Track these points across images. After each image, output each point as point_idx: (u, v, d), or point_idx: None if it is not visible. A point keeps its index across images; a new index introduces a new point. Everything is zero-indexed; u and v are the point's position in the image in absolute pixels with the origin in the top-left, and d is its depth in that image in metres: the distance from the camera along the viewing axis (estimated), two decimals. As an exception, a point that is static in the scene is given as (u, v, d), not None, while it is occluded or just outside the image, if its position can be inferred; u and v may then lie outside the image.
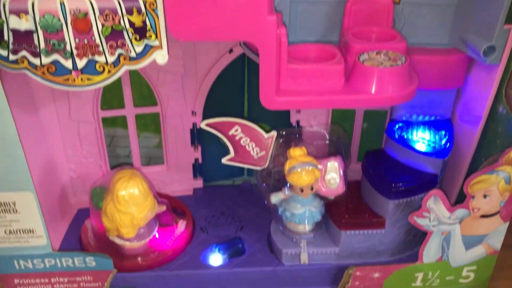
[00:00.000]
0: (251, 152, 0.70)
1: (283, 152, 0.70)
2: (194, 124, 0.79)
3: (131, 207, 0.66)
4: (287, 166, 0.68)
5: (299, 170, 0.66)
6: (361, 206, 0.71)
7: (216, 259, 0.72)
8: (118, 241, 0.69)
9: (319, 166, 0.68)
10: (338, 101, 0.58)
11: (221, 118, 0.66)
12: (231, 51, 0.73)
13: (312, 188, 0.68)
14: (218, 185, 0.88)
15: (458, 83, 0.69)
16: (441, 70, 0.67)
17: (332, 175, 0.68)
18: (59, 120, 0.74)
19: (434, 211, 0.64)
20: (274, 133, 0.69)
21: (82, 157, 0.78)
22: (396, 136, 0.71)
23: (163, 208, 0.72)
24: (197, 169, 0.84)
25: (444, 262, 0.69)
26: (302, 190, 0.68)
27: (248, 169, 0.89)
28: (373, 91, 0.57)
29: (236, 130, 0.67)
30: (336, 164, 0.68)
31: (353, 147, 0.83)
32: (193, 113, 0.78)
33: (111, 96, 0.77)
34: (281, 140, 0.70)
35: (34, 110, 0.70)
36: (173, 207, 0.79)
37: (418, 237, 0.72)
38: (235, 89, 0.79)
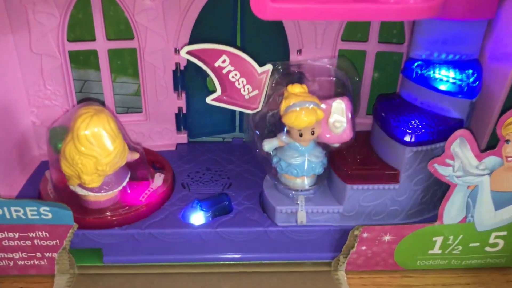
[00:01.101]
0: (242, 90, 0.59)
1: (279, 91, 0.59)
2: (178, 65, 0.68)
3: (94, 149, 0.55)
4: (283, 105, 0.57)
5: (297, 109, 0.55)
6: (371, 157, 0.60)
7: (197, 217, 0.61)
8: (80, 191, 0.58)
9: (322, 105, 0.56)
10: (346, 11, 0.46)
11: (206, 44, 0.56)
12: (221, -27, 0.62)
13: (313, 133, 0.57)
14: (206, 142, 0.77)
15: (490, 13, 0.58)
16: (470, -6, 0.56)
17: (338, 117, 0.57)
18: (18, 52, 0.64)
19: (460, 157, 0.53)
20: (269, 67, 0.58)
21: (45, 98, 0.67)
22: (415, 75, 0.59)
23: (136, 155, 0.61)
24: (181, 121, 0.73)
25: (468, 224, 0.57)
26: (301, 135, 0.56)
27: (240, 125, 0.77)
28: (390, -3, 0.46)
29: (224, 61, 0.56)
30: (342, 104, 0.57)
31: (362, 99, 0.72)
32: (176, 51, 0.67)
33: (80, 26, 0.66)
34: (277, 77, 0.59)
35: (-15, 35, 0.59)
36: (151, 161, 0.68)
37: (438, 196, 0.61)
38: (226, 21, 0.67)
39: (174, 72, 0.69)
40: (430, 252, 0.60)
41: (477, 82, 0.57)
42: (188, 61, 0.67)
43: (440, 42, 0.60)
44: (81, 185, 0.58)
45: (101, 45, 0.66)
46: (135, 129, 0.72)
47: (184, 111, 0.72)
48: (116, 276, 0.60)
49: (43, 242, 0.57)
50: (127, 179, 0.61)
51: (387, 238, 0.58)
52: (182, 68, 0.68)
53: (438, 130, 0.56)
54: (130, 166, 0.61)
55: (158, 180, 0.64)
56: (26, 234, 0.57)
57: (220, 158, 0.72)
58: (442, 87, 0.58)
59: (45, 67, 0.65)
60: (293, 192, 0.60)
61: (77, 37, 0.67)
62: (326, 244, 0.61)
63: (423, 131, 0.55)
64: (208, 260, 0.61)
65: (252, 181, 0.67)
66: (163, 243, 0.60)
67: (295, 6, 0.46)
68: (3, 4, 0.60)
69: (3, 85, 0.63)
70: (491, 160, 0.53)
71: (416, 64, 0.60)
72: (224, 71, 0.57)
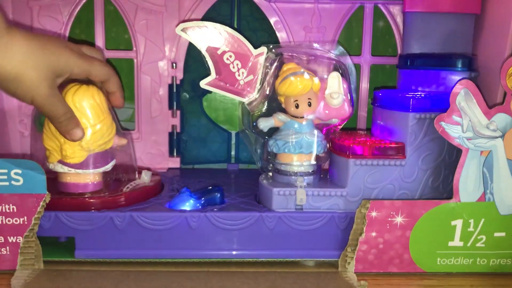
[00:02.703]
0: (236, 74, 0.58)
1: (274, 76, 0.57)
2: (174, 79, 0.69)
3: (79, 117, 0.52)
4: (278, 80, 0.55)
5: (292, 78, 0.54)
6: (374, 138, 0.57)
7: (186, 206, 0.54)
8: (60, 168, 0.53)
9: (317, 79, 0.55)
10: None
11: (202, 22, 0.57)
12: (218, -14, 0.67)
13: (310, 104, 0.54)
14: (199, 169, 0.73)
15: (475, 8, 0.61)
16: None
17: (334, 89, 0.55)
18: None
19: (467, 114, 0.49)
20: (263, 49, 0.58)
21: (38, 107, 0.66)
22: (410, 61, 0.60)
23: (124, 141, 0.57)
24: (174, 143, 0.70)
25: (489, 203, 0.51)
26: (297, 106, 0.54)
27: (236, 155, 0.74)
28: None
29: (219, 41, 0.57)
30: (338, 76, 0.55)
31: (361, 122, 0.71)
32: (173, 65, 0.68)
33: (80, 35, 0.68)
34: (269, 64, 0.58)
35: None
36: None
37: (451, 185, 0.56)
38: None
39: (170, 88, 0.68)
40: (450, 244, 0.52)
41: (474, 56, 0.57)
42: (184, 76, 0.68)
43: (431, 36, 0.61)
44: (62, 162, 0.53)
45: (100, 54, 0.67)
46: (126, 148, 0.68)
47: (178, 130, 0.70)
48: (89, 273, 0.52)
49: (9, 220, 0.50)
50: (112, 164, 0.56)
51: (399, 219, 0.51)
52: (178, 82, 0.68)
53: (441, 98, 0.53)
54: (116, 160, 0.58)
55: (145, 176, 0.59)
56: (-9, 210, 0.50)
57: (214, 179, 0.67)
58: (439, 63, 0.57)
59: (41, 73, 0.65)
60: (292, 178, 0.55)
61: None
62: (331, 237, 0.53)
63: (425, 96, 0.53)
64: (197, 256, 0.53)
65: (247, 188, 0.62)
66: (146, 232, 0.52)
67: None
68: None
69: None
70: (501, 119, 0.50)
71: (410, 54, 0.61)
72: (219, 51, 0.57)
